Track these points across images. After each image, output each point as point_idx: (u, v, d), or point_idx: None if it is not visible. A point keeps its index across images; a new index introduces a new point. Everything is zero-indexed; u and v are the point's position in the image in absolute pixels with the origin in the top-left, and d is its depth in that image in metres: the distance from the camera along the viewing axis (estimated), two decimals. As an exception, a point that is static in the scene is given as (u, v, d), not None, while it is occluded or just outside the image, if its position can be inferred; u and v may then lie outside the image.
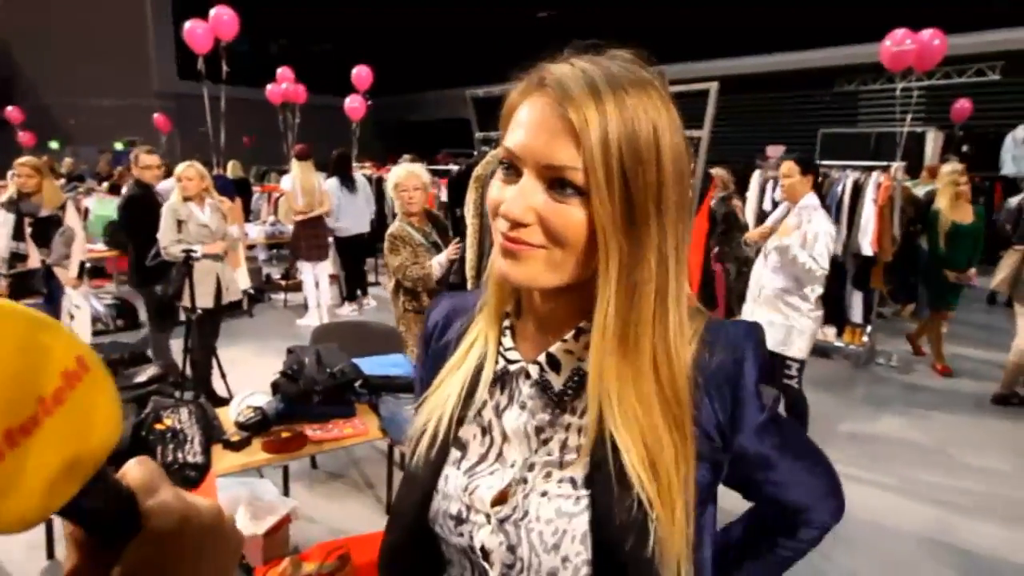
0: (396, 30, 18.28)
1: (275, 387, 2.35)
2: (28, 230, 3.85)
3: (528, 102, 0.57)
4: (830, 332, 5.19)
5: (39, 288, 3.91)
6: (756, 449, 0.65)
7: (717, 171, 5.15)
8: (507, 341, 0.67)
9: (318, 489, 3.11)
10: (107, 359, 2.77)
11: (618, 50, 0.60)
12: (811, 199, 3.17)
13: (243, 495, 2.38)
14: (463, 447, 0.67)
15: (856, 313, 5.14)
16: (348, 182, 6.05)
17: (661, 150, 0.54)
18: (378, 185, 7.14)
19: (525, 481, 0.62)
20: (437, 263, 2.89)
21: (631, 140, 0.53)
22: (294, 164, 5.71)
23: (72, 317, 3.99)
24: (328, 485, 3.16)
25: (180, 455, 1.98)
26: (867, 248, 4.74)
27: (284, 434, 2.12)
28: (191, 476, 1.93)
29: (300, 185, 5.57)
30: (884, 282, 5.12)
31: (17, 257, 3.84)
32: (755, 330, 0.65)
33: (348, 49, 8.84)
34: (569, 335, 0.63)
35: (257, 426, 2.17)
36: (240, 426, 2.17)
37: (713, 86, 2.55)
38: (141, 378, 2.53)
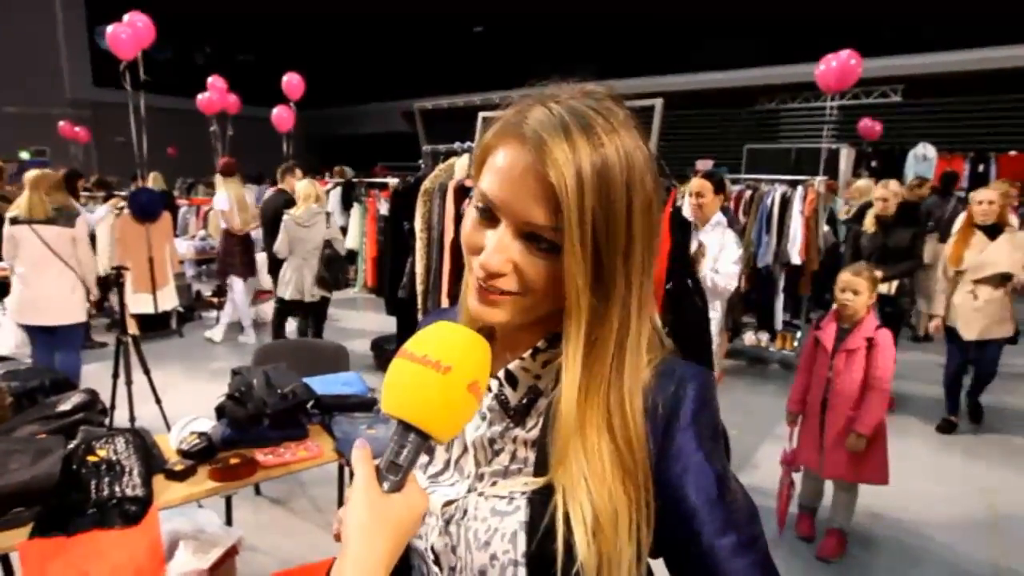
0: (327, 42, 17.95)
1: (220, 411, 2.21)
2: None
3: (505, 149, 0.57)
4: (763, 338, 5.44)
5: None
6: (680, 484, 0.58)
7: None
8: None
9: (263, 517, 2.96)
10: (24, 387, 2.56)
11: (591, 84, 0.60)
12: (721, 216, 3.08)
13: (184, 528, 2.24)
14: (430, 451, 0.71)
15: (778, 320, 5.39)
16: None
17: (632, 192, 0.55)
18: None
19: (475, 491, 0.65)
20: None
21: (605, 198, 0.54)
22: (220, 181, 5.53)
23: None
24: (274, 512, 3.01)
25: (118, 489, 1.83)
26: (796, 257, 5.01)
27: (232, 460, 2.00)
28: (131, 511, 1.78)
29: (236, 202, 5.41)
30: (811, 289, 5.42)
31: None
32: (703, 373, 0.63)
33: (277, 60, 8.60)
34: (527, 354, 0.66)
35: (202, 453, 2.04)
36: (183, 454, 2.03)
37: (658, 102, 2.62)
38: (65, 406, 2.33)
